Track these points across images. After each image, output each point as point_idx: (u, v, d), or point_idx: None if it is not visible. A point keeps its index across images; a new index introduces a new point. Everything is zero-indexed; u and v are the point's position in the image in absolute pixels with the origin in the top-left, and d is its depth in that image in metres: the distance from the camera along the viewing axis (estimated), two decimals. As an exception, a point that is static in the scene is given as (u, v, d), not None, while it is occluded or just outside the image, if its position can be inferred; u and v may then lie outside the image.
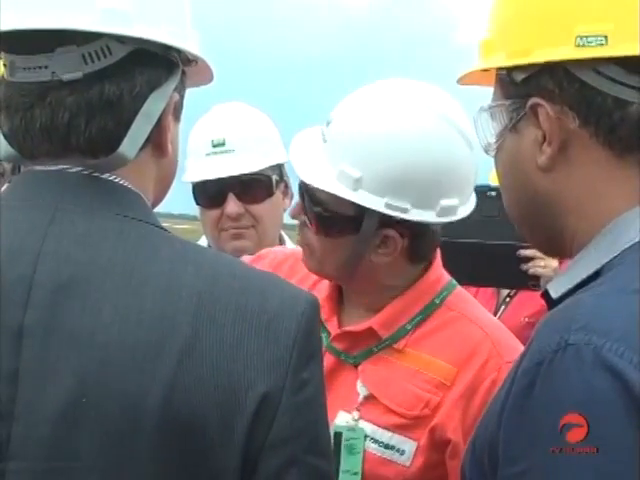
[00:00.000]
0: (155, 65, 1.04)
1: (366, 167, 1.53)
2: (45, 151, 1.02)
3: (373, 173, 1.52)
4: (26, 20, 0.98)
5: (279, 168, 2.33)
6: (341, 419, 1.61)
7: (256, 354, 0.96)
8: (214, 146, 2.25)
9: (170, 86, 1.06)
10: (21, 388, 0.93)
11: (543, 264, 2.39)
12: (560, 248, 1.10)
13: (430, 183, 1.53)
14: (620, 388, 0.84)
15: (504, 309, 3.04)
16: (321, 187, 1.56)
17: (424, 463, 1.55)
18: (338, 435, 1.59)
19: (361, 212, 1.55)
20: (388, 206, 1.52)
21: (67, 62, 0.99)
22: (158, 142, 1.06)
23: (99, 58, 0.99)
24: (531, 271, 2.40)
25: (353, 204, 1.54)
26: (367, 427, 1.60)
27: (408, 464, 1.55)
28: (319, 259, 1.63)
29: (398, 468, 1.56)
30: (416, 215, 1.54)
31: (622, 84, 0.99)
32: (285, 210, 2.37)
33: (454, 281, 1.71)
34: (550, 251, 1.18)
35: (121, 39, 1.00)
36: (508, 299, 3.06)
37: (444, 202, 1.54)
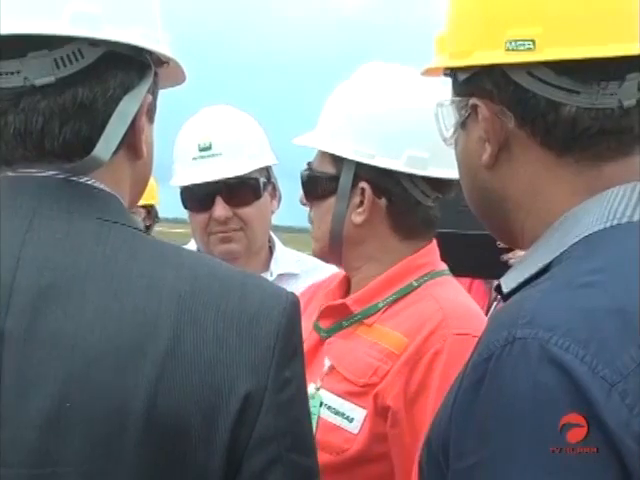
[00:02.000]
0: (127, 67, 1.04)
1: (338, 121, 1.69)
2: (20, 156, 1.02)
3: (344, 125, 1.67)
4: None
5: (267, 170, 2.33)
6: (308, 390, 1.66)
7: (238, 354, 0.96)
8: (201, 150, 2.24)
9: (143, 88, 1.06)
10: (4, 394, 0.93)
11: (523, 254, 2.39)
12: (512, 240, 1.13)
13: (394, 130, 1.65)
14: (566, 382, 0.85)
15: (496, 305, 3.05)
16: (300, 143, 1.75)
17: (370, 431, 1.58)
18: None
19: (339, 169, 1.68)
20: (356, 152, 1.65)
21: (39, 67, 0.99)
22: (133, 144, 1.07)
23: (71, 62, 0.99)
24: (511, 262, 2.41)
25: (332, 163, 1.69)
26: (325, 395, 1.65)
27: (356, 431, 1.59)
28: (317, 232, 1.74)
29: (346, 435, 1.59)
30: (382, 162, 1.64)
31: (553, 86, 1.01)
32: (273, 212, 2.38)
33: (447, 271, 1.74)
34: (506, 242, 1.21)
35: (93, 42, 1.00)
36: (496, 302, 3.06)
37: (411, 152, 1.63)
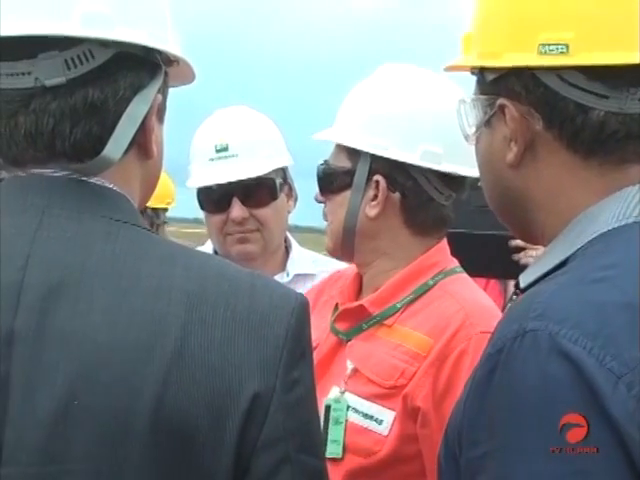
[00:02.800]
0: (138, 67, 1.04)
1: (353, 115, 1.73)
2: (30, 157, 1.02)
3: (359, 118, 1.71)
4: (6, 27, 0.98)
5: (283, 171, 2.34)
6: (332, 393, 1.68)
7: (246, 354, 0.96)
8: (217, 151, 2.25)
9: (153, 88, 1.06)
10: (12, 392, 0.93)
11: (535, 254, 2.37)
12: (532, 239, 1.15)
13: (410, 124, 1.68)
14: (574, 373, 0.86)
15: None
16: (321, 137, 1.77)
17: (400, 433, 1.59)
18: (327, 408, 1.66)
19: (354, 162, 1.71)
20: (369, 144, 1.68)
21: (50, 68, 0.99)
22: (143, 144, 1.07)
23: (82, 63, 1.00)
24: (523, 261, 2.40)
25: (348, 157, 1.72)
26: (351, 398, 1.66)
27: (386, 433, 1.60)
28: (331, 228, 1.76)
29: (376, 437, 1.60)
30: (396, 154, 1.66)
31: (584, 90, 1.02)
32: (289, 212, 2.39)
33: (458, 268, 1.76)
34: (526, 240, 1.22)
35: (103, 43, 1.01)
36: (515, 297, 3.03)
37: (425, 146, 1.66)
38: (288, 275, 2.35)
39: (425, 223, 1.72)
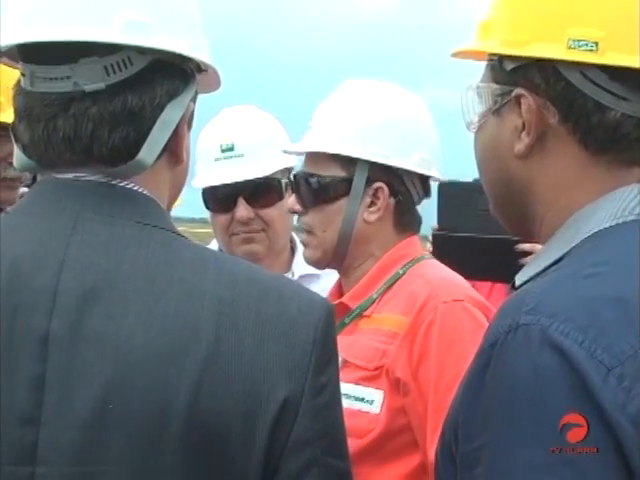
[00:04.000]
0: (172, 75, 1.05)
1: (349, 123, 1.79)
2: (66, 161, 1.03)
3: (357, 129, 1.78)
4: (49, 32, 1.00)
5: (288, 171, 2.32)
6: None
7: (276, 359, 0.98)
8: (223, 151, 2.25)
9: (187, 96, 1.07)
10: (48, 394, 0.95)
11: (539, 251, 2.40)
12: (528, 233, 1.16)
13: (406, 132, 1.79)
14: (566, 366, 0.88)
15: None
16: (314, 149, 1.82)
17: (389, 407, 1.68)
18: None
19: (350, 172, 1.79)
20: (373, 153, 1.76)
21: (89, 73, 1.00)
22: (174, 150, 1.08)
23: (120, 69, 1.01)
24: None
25: (342, 166, 1.79)
26: (342, 387, 1.70)
27: (378, 411, 1.69)
28: (320, 236, 1.83)
29: (369, 416, 1.70)
30: (397, 162, 1.77)
31: (604, 89, 1.03)
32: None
33: (427, 255, 1.89)
34: (518, 233, 1.23)
35: (141, 50, 1.02)
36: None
37: (419, 154, 1.80)
38: (293, 275, 2.36)
39: (409, 223, 1.86)
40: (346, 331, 1.80)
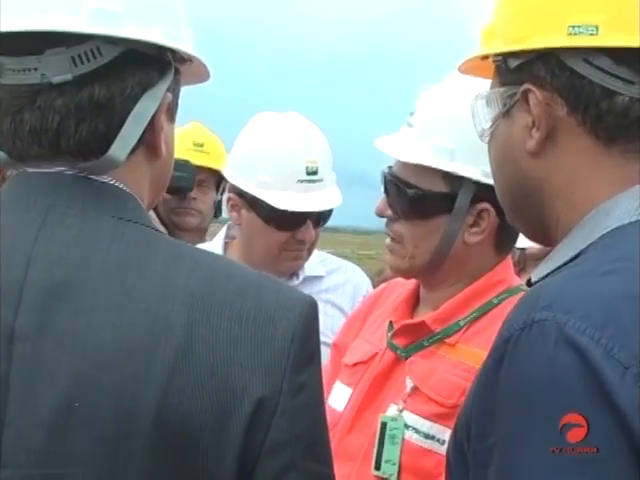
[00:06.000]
0: (147, 66, 1.03)
1: (459, 138, 1.57)
2: (35, 154, 1.01)
3: (467, 143, 1.53)
4: (13, 22, 0.97)
5: None
6: (389, 411, 1.64)
7: (252, 357, 0.95)
8: (308, 174, 2.20)
9: (163, 86, 1.04)
10: (12, 392, 0.92)
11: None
12: (546, 236, 1.13)
13: None
14: (581, 363, 0.86)
15: None
16: (418, 162, 1.61)
17: None
18: (383, 425, 1.62)
19: (454, 188, 1.60)
20: (484, 174, 1.54)
21: (56, 64, 0.98)
22: (151, 143, 1.05)
23: (89, 60, 0.98)
24: None
25: (445, 180, 1.60)
26: (410, 417, 1.61)
27: None
28: (411, 251, 1.66)
29: (438, 458, 1.53)
30: None
31: (610, 74, 1.02)
32: None
33: (523, 287, 1.69)
34: (536, 238, 1.21)
35: (111, 40, 0.99)
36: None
37: None
38: (298, 278, 2.35)
39: (509, 241, 1.69)
40: (423, 354, 1.65)
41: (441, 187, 1.62)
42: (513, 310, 0.97)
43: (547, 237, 1.13)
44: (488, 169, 1.51)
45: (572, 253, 1.03)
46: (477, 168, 1.57)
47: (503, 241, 1.67)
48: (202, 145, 3.09)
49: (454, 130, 1.60)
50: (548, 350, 0.88)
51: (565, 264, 1.03)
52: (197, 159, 3.02)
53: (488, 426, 0.93)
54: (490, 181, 1.52)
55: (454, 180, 1.60)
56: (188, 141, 3.05)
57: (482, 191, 1.58)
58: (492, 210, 1.60)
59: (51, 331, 0.93)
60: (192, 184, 2.96)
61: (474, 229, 1.62)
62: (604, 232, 1.01)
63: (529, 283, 1.10)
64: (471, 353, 1.59)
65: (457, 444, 1.01)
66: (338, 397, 1.77)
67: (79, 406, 0.91)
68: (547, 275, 1.04)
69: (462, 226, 1.62)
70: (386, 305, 1.82)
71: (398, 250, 1.69)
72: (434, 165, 1.60)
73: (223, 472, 0.93)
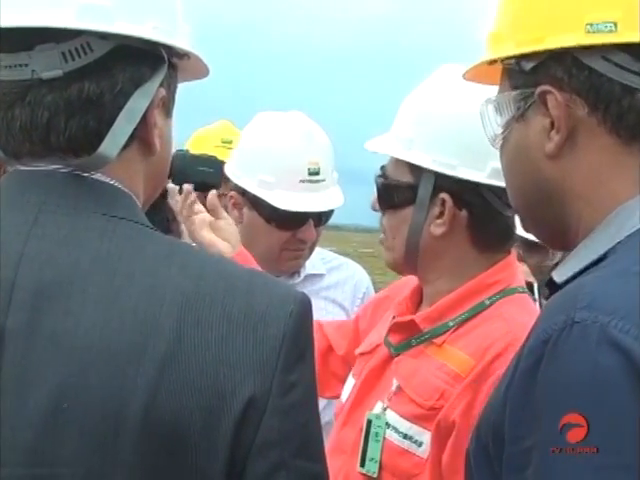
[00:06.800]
0: (139, 61, 1.02)
1: (417, 128, 1.64)
2: (27, 151, 1.01)
3: (424, 133, 1.62)
4: (4, 18, 0.97)
5: None
6: (376, 408, 1.65)
7: (242, 356, 0.94)
8: (310, 174, 2.19)
9: (155, 82, 1.03)
10: (2, 393, 0.92)
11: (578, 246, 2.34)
12: (563, 239, 1.11)
13: (479, 141, 1.53)
14: (626, 364, 0.85)
15: None
16: (375, 149, 1.69)
17: (437, 455, 1.54)
18: (369, 422, 1.63)
19: (417, 178, 1.63)
20: (435, 162, 1.59)
21: (46, 60, 0.97)
22: (145, 139, 1.04)
23: (79, 55, 0.98)
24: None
25: (409, 171, 1.64)
26: (392, 416, 1.61)
27: (425, 456, 1.55)
28: (391, 243, 1.70)
29: (415, 460, 1.55)
30: (464, 173, 1.59)
31: (630, 71, 1.01)
32: None
33: (521, 288, 1.68)
34: (553, 243, 1.19)
35: (102, 35, 0.98)
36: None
37: (494, 164, 1.51)
38: (299, 276, 2.35)
39: (491, 239, 1.65)
40: (411, 353, 1.65)
41: (405, 177, 1.66)
42: (547, 311, 0.96)
43: (566, 239, 1.11)
44: (444, 158, 1.59)
45: (599, 253, 1.01)
46: (430, 156, 1.60)
47: (481, 238, 1.64)
48: (230, 142, 3.10)
49: (416, 122, 1.65)
50: (591, 351, 0.87)
51: (591, 264, 1.01)
52: (224, 155, 3.03)
53: (525, 429, 0.91)
54: (446, 171, 1.59)
55: (417, 170, 1.63)
56: (216, 139, 3.06)
57: (443, 181, 1.61)
58: (449, 199, 1.60)
59: (41, 331, 0.92)
60: (220, 180, 2.96)
61: (439, 220, 1.63)
62: (630, 232, 0.99)
63: (551, 283, 1.08)
64: (453, 355, 1.58)
65: (480, 447, 1.00)
66: (347, 387, 1.80)
67: (67, 407, 0.91)
68: (574, 275, 1.02)
69: (428, 217, 1.63)
70: (398, 297, 1.82)
71: (384, 243, 1.73)
72: (390, 152, 1.67)
73: (213, 471, 0.92)
